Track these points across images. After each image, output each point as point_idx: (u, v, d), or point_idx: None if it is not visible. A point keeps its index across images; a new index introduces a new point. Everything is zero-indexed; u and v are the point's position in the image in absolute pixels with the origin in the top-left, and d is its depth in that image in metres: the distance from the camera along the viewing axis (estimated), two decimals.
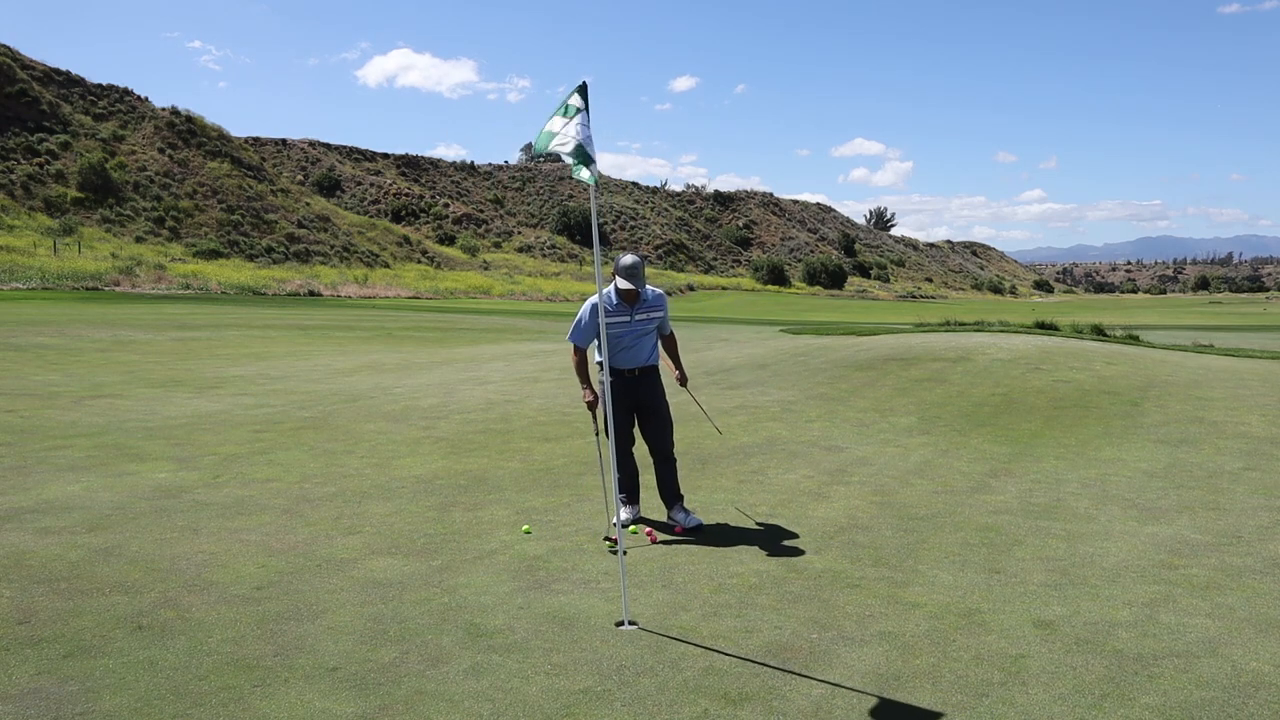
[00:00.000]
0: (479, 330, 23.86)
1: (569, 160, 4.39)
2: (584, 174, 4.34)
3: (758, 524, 5.81)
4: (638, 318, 5.71)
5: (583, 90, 4.50)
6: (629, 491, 5.96)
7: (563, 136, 4.41)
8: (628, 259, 5.62)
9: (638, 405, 5.79)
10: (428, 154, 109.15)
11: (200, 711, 3.30)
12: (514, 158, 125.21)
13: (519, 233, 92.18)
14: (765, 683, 3.62)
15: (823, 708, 3.41)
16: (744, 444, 8.24)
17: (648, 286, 5.82)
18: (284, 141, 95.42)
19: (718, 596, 4.54)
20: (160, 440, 7.93)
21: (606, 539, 5.39)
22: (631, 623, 4.16)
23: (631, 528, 5.67)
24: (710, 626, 4.16)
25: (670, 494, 5.84)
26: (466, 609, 4.30)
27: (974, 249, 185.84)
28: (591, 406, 5.62)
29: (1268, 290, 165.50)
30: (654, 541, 5.49)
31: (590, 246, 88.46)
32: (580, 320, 5.70)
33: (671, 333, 6.04)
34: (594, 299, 5.54)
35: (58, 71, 62.52)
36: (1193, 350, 15.67)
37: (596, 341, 5.68)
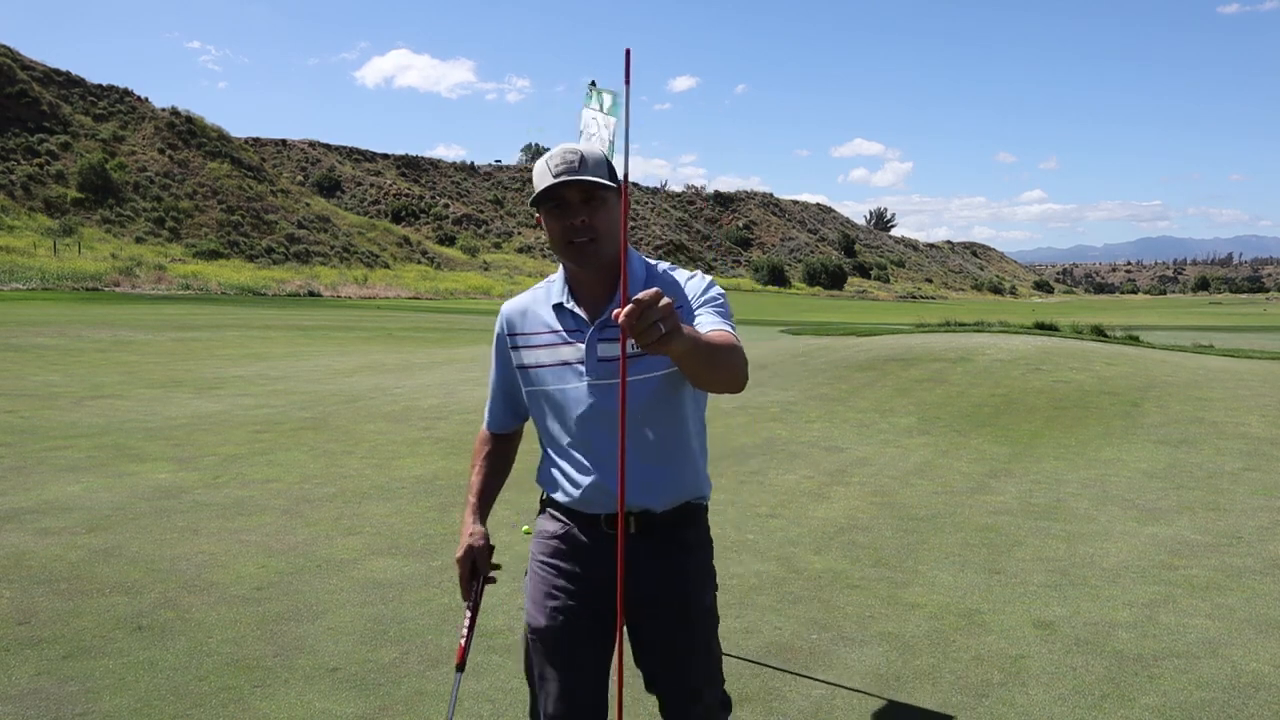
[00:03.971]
0: (479, 330, 23.85)
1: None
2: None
3: (758, 524, 5.81)
4: (603, 344, 2.13)
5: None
6: None
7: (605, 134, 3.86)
8: (555, 151, 2.10)
9: (627, 611, 2.21)
10: (427, 154, 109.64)
11: (200, 712, 3.29)
12: (514, 158, 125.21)
13: (519, 233, 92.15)
14: (765, 683, 3.61)
15: (823, 708, 3.41)
16: (744, 444, 8.23)
17: (654, 261, 2.26)
18: (284, 142, 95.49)
19: (718, 596, 4.52)
20: (160, 441, 7.93)
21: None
22: None
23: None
24: None
25: None
26: None
27: (974, 249, 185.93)
28: (463, 577, 2.36)
29: (1268, 291, 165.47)
30: None
31: None
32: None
33: (731, 337, 2.03)
34: (506, 306, 2.35)
35: (58, 72, 62.52)
36: (1192, 351, 15.67)
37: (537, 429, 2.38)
